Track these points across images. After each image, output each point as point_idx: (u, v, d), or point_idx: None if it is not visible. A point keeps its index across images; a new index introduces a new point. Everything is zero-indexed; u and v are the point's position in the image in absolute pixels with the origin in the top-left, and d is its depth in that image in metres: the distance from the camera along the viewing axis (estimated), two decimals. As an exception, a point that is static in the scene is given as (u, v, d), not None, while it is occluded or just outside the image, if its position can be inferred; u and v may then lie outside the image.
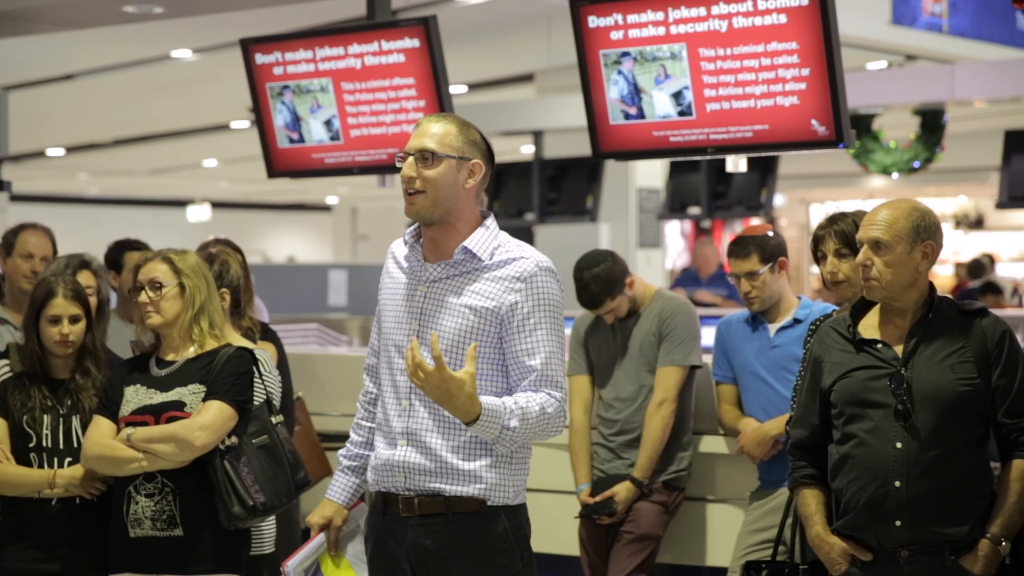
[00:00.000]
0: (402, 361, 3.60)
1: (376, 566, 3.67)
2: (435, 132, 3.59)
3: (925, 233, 3.80)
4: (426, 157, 3.56)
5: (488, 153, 3.66)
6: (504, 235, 3.66)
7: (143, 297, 4.26)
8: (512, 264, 3.58)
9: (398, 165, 3.62)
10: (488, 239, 3.61)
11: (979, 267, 15.17)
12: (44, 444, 4.40)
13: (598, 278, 5.20)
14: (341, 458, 3.85)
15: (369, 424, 3.82)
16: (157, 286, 4.25)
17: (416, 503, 3.56)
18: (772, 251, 4.99)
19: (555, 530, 5.58)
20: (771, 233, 5.07)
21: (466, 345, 3.53)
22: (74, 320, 4.43)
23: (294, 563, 3.82)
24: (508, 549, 3.56)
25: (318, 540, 3.85)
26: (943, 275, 19.57)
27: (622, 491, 5.14)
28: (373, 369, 3.83)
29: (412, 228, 3.72)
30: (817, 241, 4.52)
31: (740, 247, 5.00)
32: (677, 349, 5.17)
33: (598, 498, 5.16)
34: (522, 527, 3.62)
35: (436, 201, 3.57)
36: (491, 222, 3.65)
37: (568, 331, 5.59)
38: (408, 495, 3.57)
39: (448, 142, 3.58)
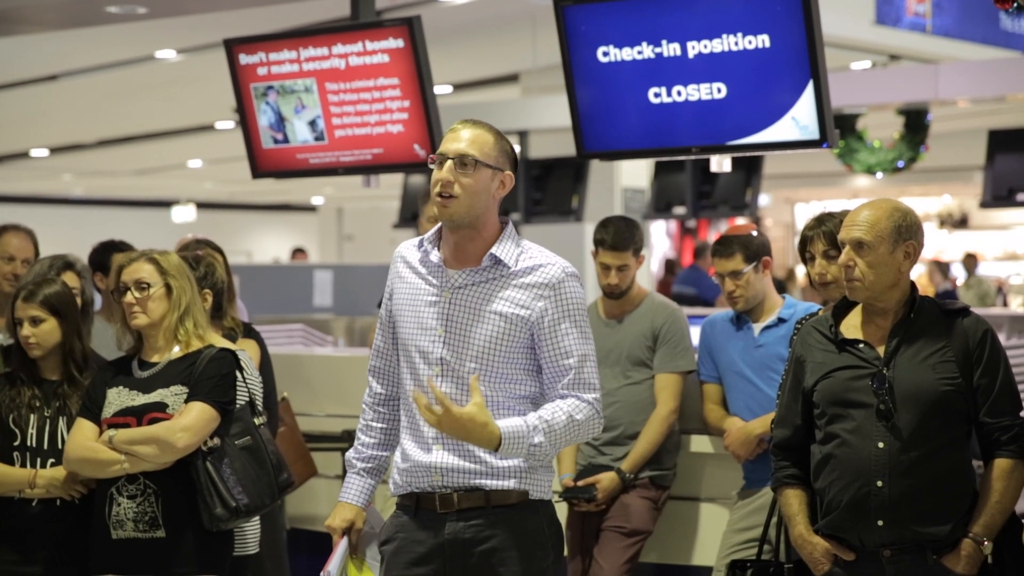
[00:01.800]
0: (427, 368, 3.60)
1: (402, 565, 3.62)
2: (475, 139, 3.60)
3: (907, 233, 3.81)
4: (466, 163, 3.57)
5: (516, 164, 3.69)
6: (525, 241, 3.69)
7: (128, 298, 4.25)
8: (539, 271, 3.60)
9: (431, 167, 3.62)
10: (512, 245, 3.64)
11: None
12: (28, 443, 4.39)
13: (632, 224, 5.27)
14: (354, 460, 3.83)
15: (380, 425, 3.81)
16: (143, 286, 4.24)
17: (455, 498, 3.56)
18: (756, 250, 5.00)
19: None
20: (755, 233, 5.09)
21: (497, 351, 3.57)
22: (35, 322, 4.41)
23: (334, 567, 3.79)
24: (544, 542, 3.60)
25: (343, 545, 3.83)
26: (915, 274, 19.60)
27: (605, 480, 5.15)
28: (379, 371, 3.81)
29: (432, 233, 3.70)
30: (805, 242, 4.53)
31: (724, 246, 5.01)
32: (680, 356, 5.19)
33: (580, 483, 5.17)
34: (555, 520, 3.66)
35: (470, 208, 3.58)
36: (511, 227, 3.68)
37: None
38: (446, 491, 3.57)
39: (487, 151, 3.60)
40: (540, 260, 3.62)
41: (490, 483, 3.56)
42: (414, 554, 3.60)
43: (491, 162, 3.60)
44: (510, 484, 3.56)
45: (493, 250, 3.60)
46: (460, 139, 3.59)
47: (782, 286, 13.17)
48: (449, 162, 3.57)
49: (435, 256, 3.65)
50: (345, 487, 3.84)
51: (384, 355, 3.79)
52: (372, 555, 3.87)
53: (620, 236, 5.22)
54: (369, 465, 3.82)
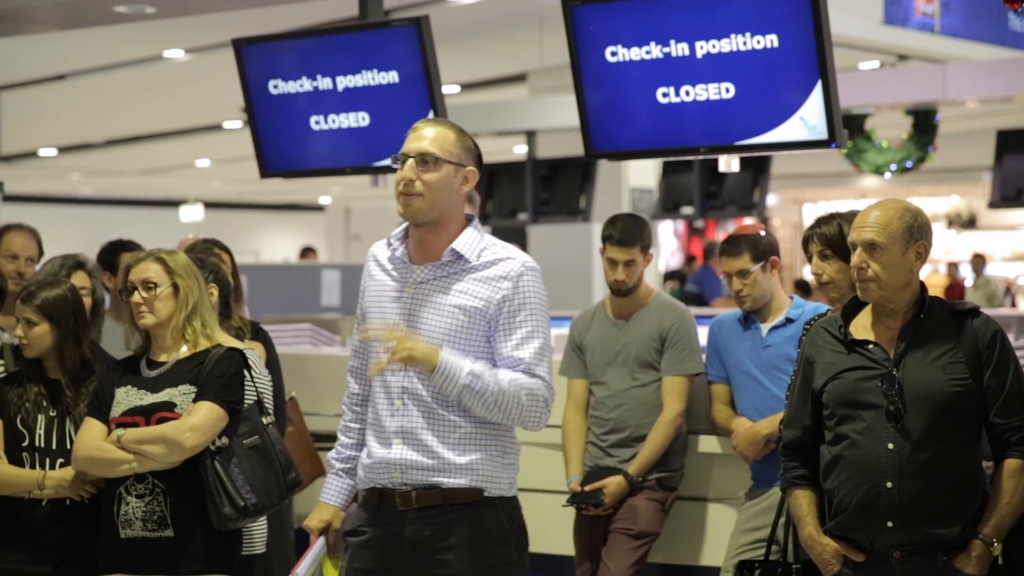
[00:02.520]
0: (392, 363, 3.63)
1: (366, 558, 3.69)
2: (434, 136, 3.64)
3: (918, 233, 3.80)
4: (427, 161, 3.62)
5: (480, 160, 3.71)
6: (490, 237, 3.72)
7: (136, 297, 4.25)
8: (499, 264, 3.65)
9: (395, 166, 3.65)
10: (475, 241, 3.67)
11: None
12: (37, 444, 4.39)
13: (640, 220, 5.29)
14: (333, 461, 3.88)
15: (357, 426, 3.85)
16: (151, 286, 4.24)
17: (414, 496, 3.62)
18: (764, 250, 5.00)
19: (548, 530, 5.58)
20: (763, 232, 5.09)
21: (457, 344, 3.61)
22: (29, 324, 4.41)
23: (302, 569, 3.84)
24: (504, 538, 3.64)
25: (320, 544, 3.87)
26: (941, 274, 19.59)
27: (612, 484, 5.14)
28: (357, 371, 3.86)
29: (400, 230, 3.76)
30: (805, 243, 4.54)
31: (731, 246, 5.02)
32: (687, 358, 5.18)
33: (588, 487, 5.16)
34: (517, 517, 3.70)
35: (433, 204, 3.62)
36: (477, 224, 3.71)
37: (563, 332, 5.59)
38: (405, 489, 3.63)
39: (448, 148, 3.64)
40: (501, 255, 3.67)
41: (447, 481, 3.61)
42: (377, 549, 3.67)
43: (453, 159, 3.64)
44: (465, 482, 3.61)
45: (454, 244, 3.65)
46: (421, 137, 3.65)
47: (807, 287, 13.15)
48: (411, 160, 3.62)
49: (400, 252, 3.72)
50: (325, 488, 3.89)
51: (360, 354, 3.84)
52: None
53: (627, 232, 5.22)
54: (348, 466, 3.87)
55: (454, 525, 3.60)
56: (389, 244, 3.76)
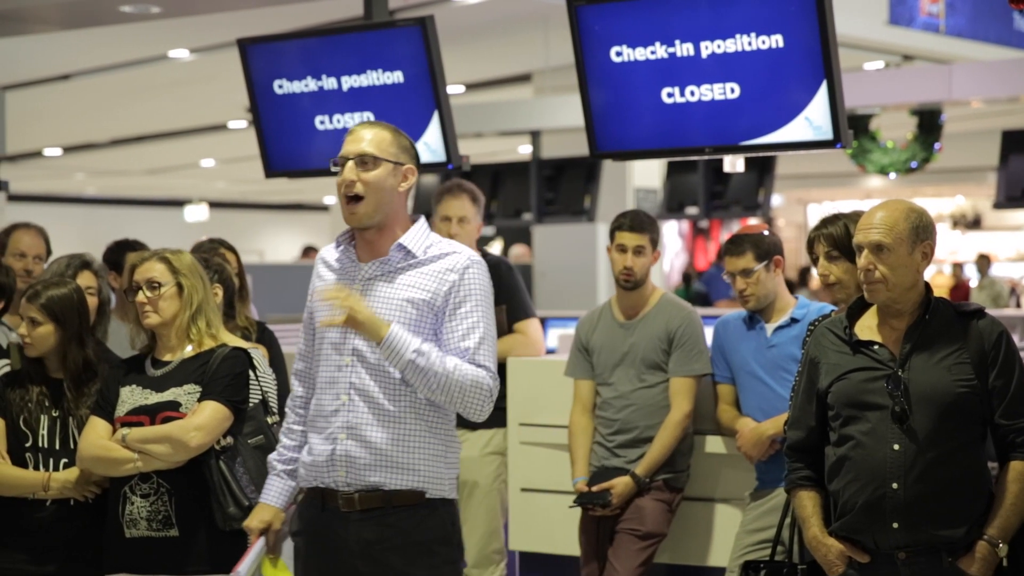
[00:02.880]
0: (340, 358, 3.72)
1: (313, 559, 3.75)
2: (371, 138, 3.72)
3: (924, 233, 3.80)
4: (365, 161, 3.70)
5: (417, 158, 3.79)
6: (435, 235, 3.80)
7: (140, 297, 4.25)
8: (445, 259, 3.73)
9: (334, 171, 3.73)
10: (421, 237, 3.75)
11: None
12: (40, 444, 4.39)
13: (650, 215, 5.33)
14: (275, 463, 3.95)
15: (300, 428, 3.90)
16: (155, 286, 4.25)
17: (357, 499, 3.68)
18: (767, 249, 5.00)
19: (553, 530, 5.58)
20: (767, 232, 5.09)
21: None
22: (33, 324, 4.42)
23: (243, 569, 3.91)
24: (447, 538, 3.72)
25: (260, 544, 3.95)
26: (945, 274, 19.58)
27: (620, 485, 5.13)
28: (302, 374, 3.91)
29: (347, 232, 3.82)
30: (810, 244, 4.54)
31: (735, 245, 5.02)
32: (695, 359, 5.17)
33: (595, 488, 5.16)
34: (456, 519, 3.78)
35: (377, 205, 3.70)
36: (422, 221, 3.78)
37: (568, 332, 5.59)
38: (348, 491, 3.68)
39: (385, 147, 3.72)
40: (447, 249, 3.76)
41: (390, 483, 3.66)
42: (324, 549, 3.72)
43: (391, 157, 3.72)
44: (407, 483, 3.66)
45: (401, 240, 3.72)
46: (359, 139, 3.72)
47: (791, 286, 13.16)
48: (350, 163, 3.69)
49: (349, 252, 3.79)
50: (265, 489, 3.95)
51: (306, 358, 3.89)
52: (288, 554, 3.98)
53: (639, 219, 5.28)
54: (290, 467, 3.92)
55: (397, 526, 3.66)
56: (337, 245, 3.83)
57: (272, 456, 3.96)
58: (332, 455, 3.69)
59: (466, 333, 3.69)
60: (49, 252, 5.81)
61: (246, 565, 3.92)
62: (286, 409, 3.96)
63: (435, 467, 3.71)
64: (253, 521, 3.94)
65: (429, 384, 3.63)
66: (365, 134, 3.72)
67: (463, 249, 3.76)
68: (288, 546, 3.98)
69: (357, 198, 3.68)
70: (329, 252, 3.86)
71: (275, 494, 3.93)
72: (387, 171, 3.70)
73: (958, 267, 19.20)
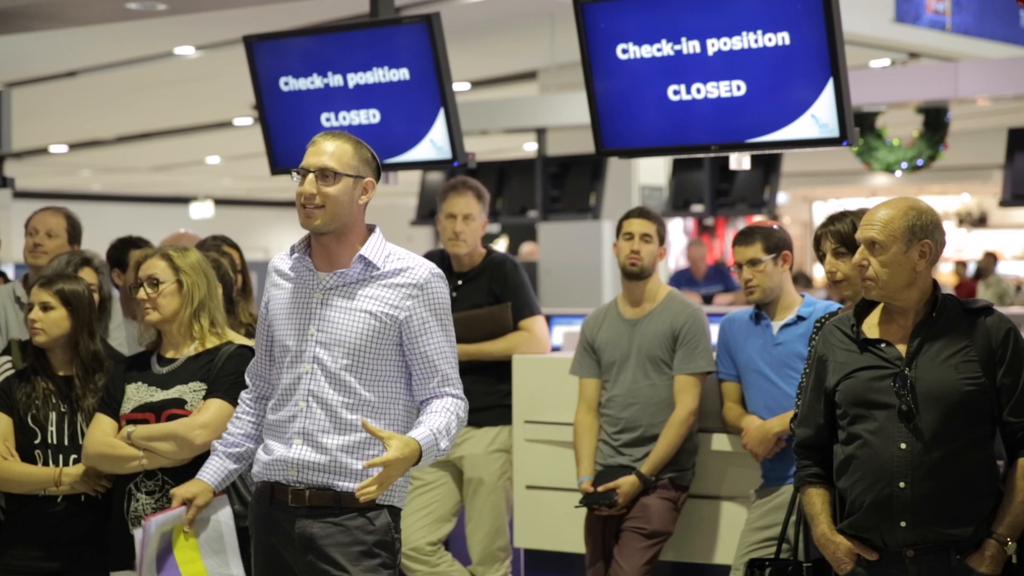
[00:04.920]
0: (299, 366, 3.74)
1: (261, 550, 3.80)
2: (333, 151, 3.73)
3: (922, 232, 3.78)
4: (327, 175, 3.72)
5: (378, 170, 3.83)
6: (392, 245, 3.84)
7: (141, 294, 4.26)
8: (407, 272, 3.77)
9: (295, 180, 3.75)
10: (379, 247, 3.78)
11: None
12: (50, 441, 4.40)
13: (659, 215, 5.35)
14: (217, 445, 3.98)
15: (249, 419, 3.94)
16: (154, 283, 4.25)
17: (307, 495, 3.71)
18: (776, 243, 5.00)
19: (559, 528, 5.58)
20: (777, 227, 5.10)
21: (369, 349, 3.72)
22: (45, 308, 4.42)
23: (157, 520, 3.95)
24: (389, 543, 3.74)
25: (180, 511, 3.98)
26: (943, 272, 19.54)
27: (625, 484, 5.13)
28: (252, 373, 3.95)
29: (302, 240, 3.84)
30: (818, 241, 4.54)
31: (745, 235, 5.04)
32: (700, 357, 5.17)
33: (600, 488, 5.15)
34: (399, 526, 3.81)
35: (334, 216, 3.73)
36: (378, 233, 3.82)
37: (573, 330, 5.59)
38: (299, 487, 3.72)
39: (346, 161, 3.74)
40: (408, 262, 3.79)
41: (342, 484, 3.69)
42: (270, 543, 3.77)
43: (351, 171, 3.74)
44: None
45: (362, 251, 3.75)
46: (321, 152, 3.74)
47: (806, 281, 13.16)
48: (311, 175, 3.71)
49: (306, 261, 3.80)
50: (204, 466, 4.00)
51: (258, 360, 3.93)
52: (209, 543, 4.02)
53: (645, 209, 5.35)
54: (231, 450, 3.97)
55: (342, 524, 3.69)
56: (291, 254, 3.84)
57: (215, 441, 4.00)
58: (286, 457, 3.73)
59: (436, 351, 3.75)
60: (71, 233, 5.94)
61: (159, 518, 3.95)
62: (238, 400, 4.00)
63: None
64: (180, 488, 3.99)
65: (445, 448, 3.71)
66: (327, 147, 3.74)
67: (422, 262, 3.80)
68: (206, 534, 4.02)
69: (317, 206, 3.71)
70: (282, 262, 3.88)
71: (211, 472, 3.97)
72: (347, 185, 3.73)
73: (961, 265, 19.12)
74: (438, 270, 3.80)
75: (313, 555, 3.70)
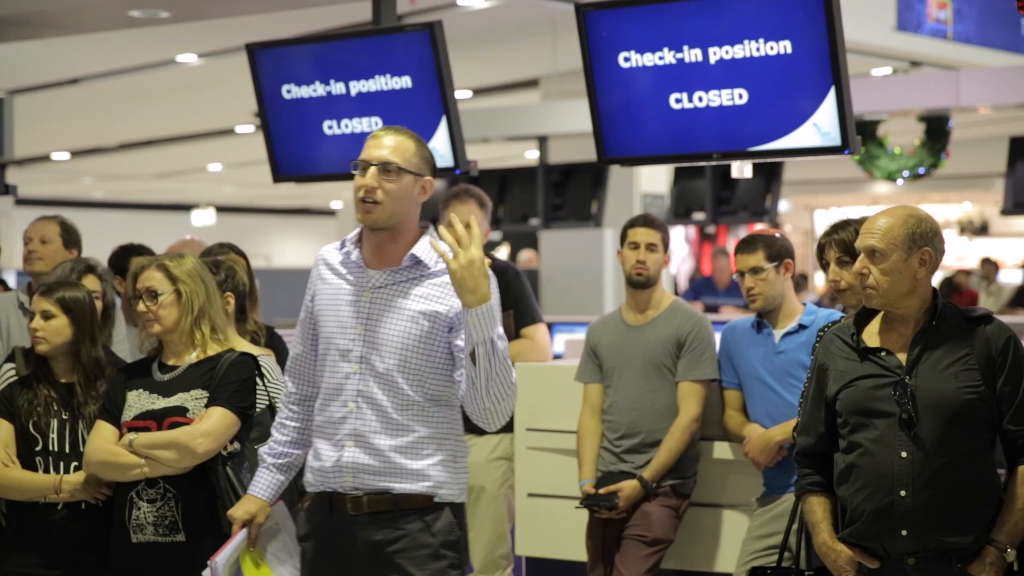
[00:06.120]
0: (347, 365, 3.69)
1: (322, 565, 3.74)
2: (396, 146, 3.69)
3: (922, 240, 3.78)
4: (389, 170, 3.66)
5: (435, 169, 3.78)
6: (443, 243, 3.73)
7: (141, 307, 4.25)
8: None
9: (353, 172, 3.70)
10: (432, 248, 3.71)
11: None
12: (51, 448, 4.40)
13: (663, 222, 5.38)
14: (265, 456, 3.94)
15: (293, 424, 3.89)
16: (153, 295, 4.24)
17: (365, 501, 3.67)
18: (779, 251, 5.01)
19: (560, 535, 5.58)
20: (778, 235, 5.11)
21: (416, 349, 3.65)
22: (46, 317, 4.42)
23: (222, 558, 3.89)
24: (455, 542, 3.69)
25: (241, 535, 3.93)
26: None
27: (627, 488, 5.13)
28: (295, 371, 3.90)
29: (353, 235, 3.80)
30: (821, 249, 4.53)
31: (747, 243, 5.05)
32: (704, 364, 5.17)
33: (602, 491, 5.15)
34: (464, 523, 3.76)
35: (392, 213, 3.68)
36: (432, 231, 3.76)
37: (575, 337, 5.59)
38: (356, 494, 3.67)
39: (408, 157, 3.69)
40: None
41: (398, 486, 3.65)
42: (332, 554, 3.71)
43: (412, 168, 3.69)
44: (417, 487, 3.65)
45: (414, 250, 3.70)
46: (383, 146, 3.69)
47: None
48: (372, 168, 3.66)
49: (356, 256, 3.75)
50: (254, 481, 3.94)
51: (301, 356, 3.87)
52: (274, 551, 3.95)
53: (650, 218, 5.37)
54: (280, 461, 3.91)
55: (405, 528, 3.65)
56: (342, 247, 3.80)
57: (263, 449, 3.95)
58: (339, 462, 3.68)
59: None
60: (65, 238, 5.97)
61: (224, 555, 3.89)
62: (279, 405, 3.95)
63: (443, 472, 3.70)
64: (238, 511, 3.92)
65: (494, 370, 3.53)
66: (389, 140, 3.69)
67: None
68: (273, 545, 3.96)
69: (375, 202, 3.66)
70: (332, 254, 3.82)
71: (263, 487, 3.92)
72: (408, 182, 3.67)
73: (961, 274, 19.04)
74: (487, 268, 3.69)
75: (379, 563, 3.65)
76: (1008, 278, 19.70)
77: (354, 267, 3.76)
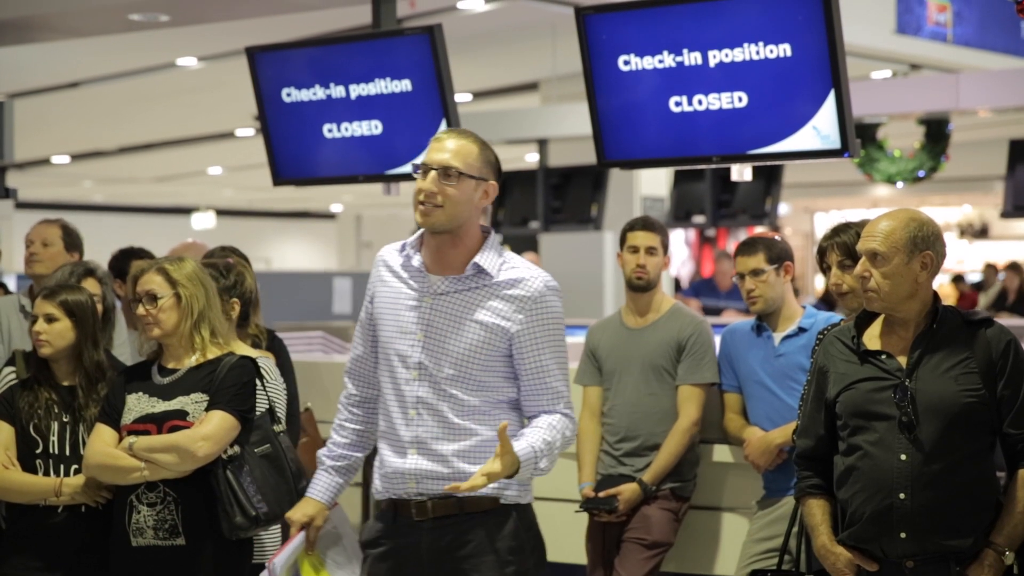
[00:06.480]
0: (406, 371, 3.65)
1: (384, 570, 3.69)
2: (458, 149, 3.62)
3: (923, 243, 3.78)
4: (450, 174, 3.60)
5: (500, 172, 3.70)
6: (507, 251, 3.72)
7: (141, 310, 4.25)
8: (521, 284, 3.64)
9: (415, 175, 3.64)
10: (495, 255, 3.66)
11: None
12: (51, 451, 4.39)
13: (661, 222, 5.38)
14: (324, 458, 3.90)
15: (353, 426, 3.88)
16: (153, 298, 4.24)
17: (429, 506, 3.62)
18: (779, 253, 5.02)
19: (560, 538, 5.57)
20: (778, 238, 5.12)
21: (476, 359, 3.61)
22: (49, 320, 4.42)
23: (280, 560, 3.86)
24: (520, 546, 3.64)
25: (300, 538, 3.90)
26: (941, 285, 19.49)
27: (627, 491, 5.13)
28: (354, 373, 3.87)
29: (414, 239, 3.74)
30: (822, 252, 4.53)
31: (748, 245, 5.05)
32: (705, 368, 5.17)
33: (602, 494, 5.15)
34: (533, 524, 3.70)
35: (452, 217, 3.61)
36: (493, 236, 3.70)
37: (575, 340, 5.58)
38: (420, 499, 3.63)
39: (471, 162, 3.62)
40: (523, 273, 3.66)
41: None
42: (395, 561, 3.67)
43: (474, 173, 3.62)
44: (483, 490, 3.59)
45: (476, 259, 3.64)
46: (444, 149, 3.62)
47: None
48: (433, 172, 3.60)
49: (416, 261, 3.70)
50: (312, 483, 3.91)
51: (361, 358, 3.84)
52: (333, 555, 3.92)
53: (650, 221, 5.34)
54: (339, 464, 3.88)
55: (471, 534, 3.60)
56: (402, 250, 3.75)
57: (321, 452, 3.90)
58: (402, 469, 3.64)
59: (547, 368, 3.64)
60: (67, 241, 5.98)
61: (282, 557, 3.84)
62: (338, 405, 3.90)
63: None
64: (296, 513, 3.88)
65: (551, 467, 3.64)
66: (451, 144, 3.62)
67: (537, 272, 3.66)
68: (332, 549, 3.94)
69: (435, 205, 3.60)
70: (392, 256, 3.77)
71: (321, 489, 3.88)
72: (469, 187, 3.61)
73: (959, 278, 19.01)
74: (553, 282, 3.68)
75: (444, 569, 3.61)
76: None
77: (415, 272, 3.70)
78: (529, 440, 3.55)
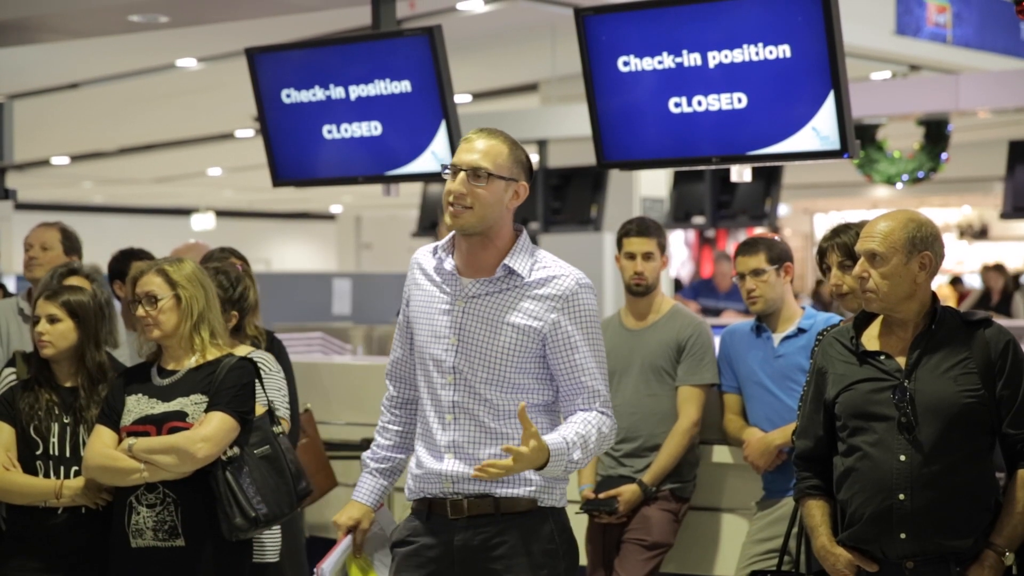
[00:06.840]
0: (441, 376, 3.62)
1: (411, 568, 3.65)
2: (488, 150, 3.58)
3: (922, 244, 3.78)
4: (480, 176, 3.56)
5: (531, 171, 3.67)
6: (540, 250, 3.68)
7: (140, 311, 4.25)
8: (553, 282, 3.60)
9: (444, 176, 3.62)
10: (526, 255, 3.63)
11: None
12: (51, 452, 4.39)
13: (655, 221, 5.35)
14: (368, 460, 3.86)
15: (395, 428, 3.84)
16: (152, 300, 4.23)
17: (465, 505, 3.59)
18: (779, 254, 5.02)
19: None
20: (778, 239, 5.13)
21: (510, 362, 3.58)
22: (52, 320, 4.41)
23: (328, 565, 3.82)
24: (554, 550, 3.60)
25: (347, 542, 3.86)
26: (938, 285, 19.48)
27: (627, 492, 5.13)
28: (395, 375, 3.83)
29: (446, 241, 3.71)
30: (822, 253, 4.53)
31: (749, 245, 5.06)
32: (704, 369, 5.17)
33: (602, 495, 5.15)
34: (567, 528, 3.67)
35: (482, 219, 3.58)
36: (525, 236, 3.67)
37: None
38: (456, 498, 3.60)
39: (500, 162, 3.58)
40: (554, 271, 3.61)
41: (500, 490, 3.58)
42: (425, 558, 3.63)
43: (505, 173, 3.58)
44: (520, 492, 3.58)
45: (507, 261, 3.60)
46: (474, 150, 3.58)
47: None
48: (462, 174, 3.57)
49: (449, 264, 3.66)
50: (357, 486, 3.87)
51: (400, 360, 3.82)
52: (381, 557, 3.89)
53: (645, 224, 5.30)
54: (383, 466, 3.85)
55: (505, 535, 3.57)
56: (435, 253, 3.71)
57: (366, 455, 3.87)
58: (439, 471, 3.61)
59: (583, 366, 3.59)
60: (66, 245, 5.99)
61: (330, 562, 3.81)
62: (381, 407, 3.87)
63: (546, 478, 3.59)
64: (342, 517, 3.85)
65: (587, 463, 3.58)
66: (481, 144, 3.59)
67: (569, 270, 3.62)
68: (379, 551, 3.90)
69: (464, 206, 3.57)
70: (426, 259, 3.73)
71: (366, 492, 3.84)
72: (499, 188, 3.57)
73: (958, 279, 18.97)
74: (586, 280, 3.63)
75: (473, 569, 3.57)
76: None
77: (447, 275, 3.66)
78: (561, 432, 3.51)
